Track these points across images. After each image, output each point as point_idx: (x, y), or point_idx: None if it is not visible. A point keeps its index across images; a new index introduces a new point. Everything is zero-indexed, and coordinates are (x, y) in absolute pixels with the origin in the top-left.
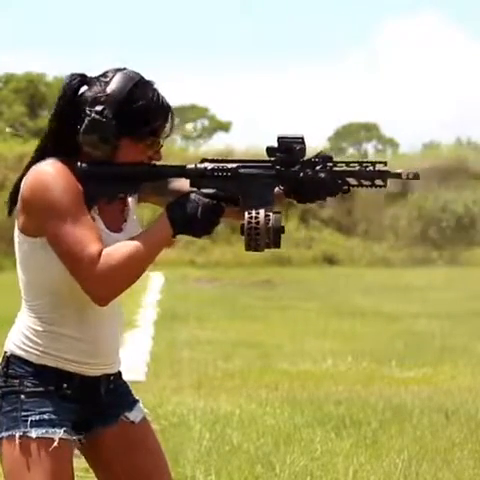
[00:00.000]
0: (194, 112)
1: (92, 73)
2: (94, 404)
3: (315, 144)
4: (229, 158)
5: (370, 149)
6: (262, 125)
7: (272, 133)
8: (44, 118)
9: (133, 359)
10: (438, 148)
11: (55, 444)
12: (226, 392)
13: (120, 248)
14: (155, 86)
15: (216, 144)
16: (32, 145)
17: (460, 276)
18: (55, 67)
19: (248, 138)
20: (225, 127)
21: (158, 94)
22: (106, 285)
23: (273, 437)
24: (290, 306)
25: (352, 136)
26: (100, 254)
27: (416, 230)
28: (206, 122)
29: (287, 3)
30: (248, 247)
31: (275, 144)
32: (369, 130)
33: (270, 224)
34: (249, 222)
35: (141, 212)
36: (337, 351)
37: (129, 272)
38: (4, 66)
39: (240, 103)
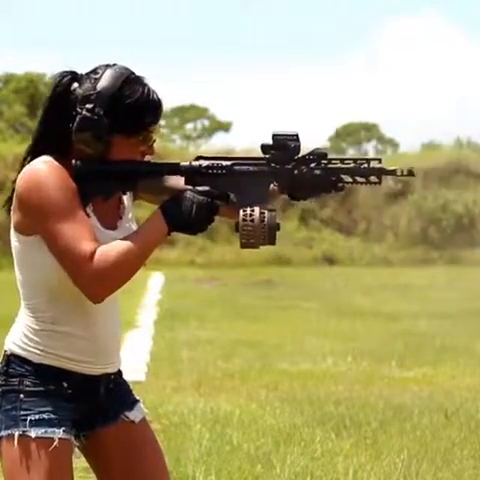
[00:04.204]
0: (194, 112)
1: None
2: (94, 403)
3: (315, 144)
4: (224, 155)
5: (370, 149)
6: (262, 125)
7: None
8: None
9: (133, 359)
10: (438, 148)
11: (54, 444)
12: (226, 392)
13: (115, 246)
14: (145, 81)
15: (216, 144)
16: None
17: (460, 276)
18: (55, 67)
19: (248, 138)
20: (225, 127)
21: (149, 89)
22: (100, 283)
23: (273, 437)
24: (290, 306)
25: (352, 136)
26: (95, 252)
27: (416, 230)
28: (206, 122)
29: (287, 3)
30: (243, 244)
31: (270, 141)
32: (369, 130)
33: (265, 221)
34: (244, 220)
35: (136, 211)
36: (337, 351)
37: (124, 270)
38: (4, 66)
39: (240, 103)
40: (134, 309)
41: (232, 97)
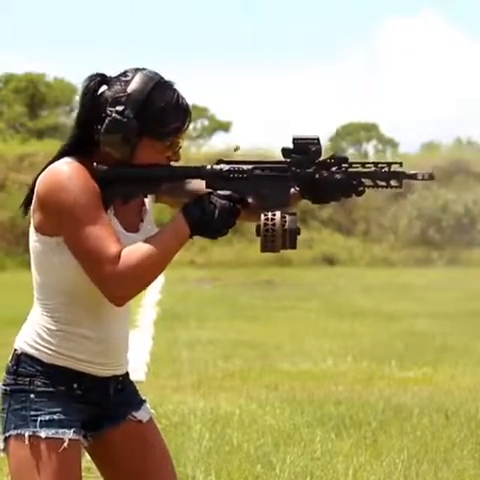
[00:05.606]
0: (194, 112)
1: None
2: (103, 404)
3: None
4: (245, 159)
5: (370, 149)
6: (262, 125)
7: (272, 133)
8: (44, 118)
9: (133, 359)
10: (438, 148)
11: (64, 445)
12: (226, 392)
13: (138, 249)
14: (175, 86)
15: (216, 144)
16: (32, 145)
17: (460, 276)
18: (55, 67)
19: (248, 138)
20: (225, 127)
21: (178, 94)
22: (124, 285)
23: (273, 437)
24: (290, 306)
25: (352, 136)
26: (120, 254)
27: (416, 230)
28: (206, 122)
29: (287, 3)
30: (264, 248)
31: (289, 145)
32: (369, 130)
33: (286, 226)
34: (265, 224)
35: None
36: (337, 351)
37: (147, 272)
38: (4, 66)
39: (240, 103)
40: (134, 309)
41: (232, 97)
